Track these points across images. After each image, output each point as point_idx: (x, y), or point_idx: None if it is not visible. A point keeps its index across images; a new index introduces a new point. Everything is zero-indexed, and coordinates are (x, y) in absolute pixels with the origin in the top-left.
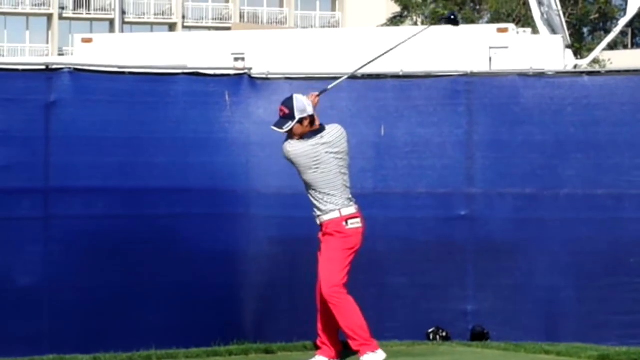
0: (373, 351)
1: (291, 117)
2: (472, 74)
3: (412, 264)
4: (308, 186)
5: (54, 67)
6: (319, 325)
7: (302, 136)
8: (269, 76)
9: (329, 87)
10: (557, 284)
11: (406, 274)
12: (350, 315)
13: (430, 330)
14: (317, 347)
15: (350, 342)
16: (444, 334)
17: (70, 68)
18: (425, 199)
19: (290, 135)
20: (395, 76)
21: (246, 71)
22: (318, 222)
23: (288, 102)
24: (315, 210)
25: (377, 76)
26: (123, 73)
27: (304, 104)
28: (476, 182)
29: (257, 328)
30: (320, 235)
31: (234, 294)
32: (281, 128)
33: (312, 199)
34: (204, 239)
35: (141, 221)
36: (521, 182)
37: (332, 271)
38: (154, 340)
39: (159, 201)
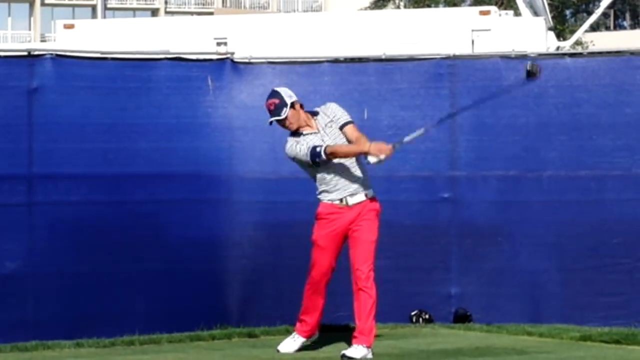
0: (370, 347)
1: (283, 104)
2: (455, 57)
3: (395, 247)
4: (342, 164)
5: (36, 53)
6: (309, 304)
7: (298, 130)
8: (252, 61)
9: (406, 139)
10: (540, 266)
11: (390, 257)
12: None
13: (413, 313)
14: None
15: (364, 328)
16: (427, 316)
17: (52, 54)
18: (409, 182)
19: (287, 126)
20: (378, 59)
21: (229, 56)
22: (357, 200)
23: (274, 95)
24: (362, 185)
25: (360, 60)
26: (105, 59)
27: (288, 91)
28: (459, 164)
29: (240, 313)
30: (348, 217)
31: (217, 279)
32: (279, 115)
33: (358, 174)
34: (187, 224)
35: (124, 207)
36: (504, 165)
37: (374, 253)
38: (137, 326)
39: (142, 187)
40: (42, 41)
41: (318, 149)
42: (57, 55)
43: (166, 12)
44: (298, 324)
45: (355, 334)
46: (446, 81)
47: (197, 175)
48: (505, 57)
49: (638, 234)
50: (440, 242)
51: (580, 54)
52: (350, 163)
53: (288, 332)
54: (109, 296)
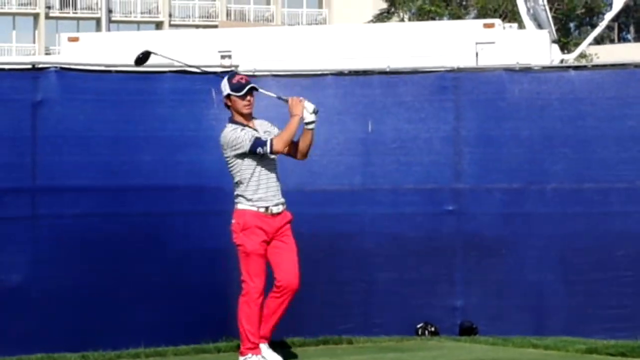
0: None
1: (249, 82)
2: (459, 70)
3: (400, 259)
4: (275, 169)
5: (41, 66)
6: (259, 317)
7: (239, 121)
8: (256, 73)
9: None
10: (545, 278)
11: (395, 270)
12: None
13: (419, 326)
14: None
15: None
16: (433, 329)
17: (56, 67)
18: (413, 195)
19: (248, 104)
20: (382, 72)
21: (233, 69)
22: (280, 210)
23: (237, 73)
24: (281, 195)
25: (364, 72)
26: (110, 72)
27: None
28: (464, 177)
29: None
30: (274, 225)
31: (223, 291)
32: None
33: (279, 184)
34: (192, 236)
35: (129, 219)
36: (508, 177)
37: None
38: (142, 339)
39: (146, 200)
40: (46, 54)
41: (263, 138)
42: (61, 68)
43: (170, 25)
44: (252, 345)
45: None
46: (450, 94)
47: (202, 188)
48: (510, 70)
49: None
50: (445, 254)
51: (584, 67)
52: (273, 172)
53: (293, 344)
54: (114, 308)
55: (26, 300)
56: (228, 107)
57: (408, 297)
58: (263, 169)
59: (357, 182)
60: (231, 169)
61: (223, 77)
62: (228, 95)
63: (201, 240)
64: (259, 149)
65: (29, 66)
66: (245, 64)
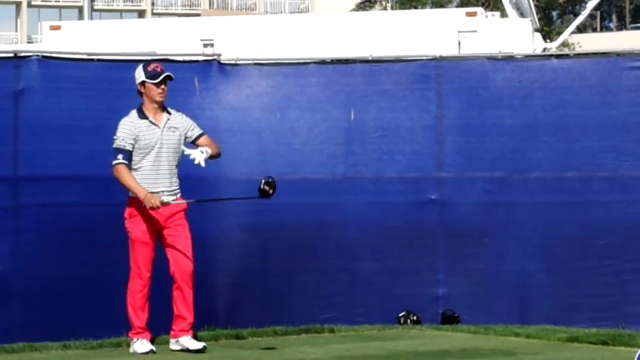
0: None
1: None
2: (441, 58)
3: (382, 248)
4: (177, 161)
5: (23, 54)
6: (183, 304)
7: (146, 112)
8: (238, 62)
9: (169, 200)
10: (527, 267)
11: (377, 259)
12: None
13: (401, 315)
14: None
15: (191, 320)
16: (415, 318)
17: (38, 55)
18: (396, 184)
19: (162, 92)
20: (364, 61)
21: (215, 57)
22: (170, 199)
23: (154, 61)
24: (178, 186)
25: (346, 61)
26: (92, 60)
27: None
28: (446, 166)
29: (227, 314)
30: (164, 213)
31: (205, 281)
32: (170, 75)
33: (175, 175)
34: None
35: (111, 209)
36: (491, 166)
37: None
38: (124, 327)
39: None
40: (28, 42)
41: (119, 156)
42: (43, 56)
43: (153, 14)
44: (137, 330)
45: (185, 327)
46: (433, 82)
47: (184, 177)
48: (492, 59)
49: (624, 235)
50: (427, 243)
51: (566, 56)
52: (172, 162)
53: (275, 334)
54: (97, 298)
55: (8, 290)
56: (141, 94)
57: (390, 286)
58: (156, 158)
59: (340, 170)
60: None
61: (206, 66)
62: (143, 82)
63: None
64: (114, 160)
65: (11, 54)
66: (228, 53)
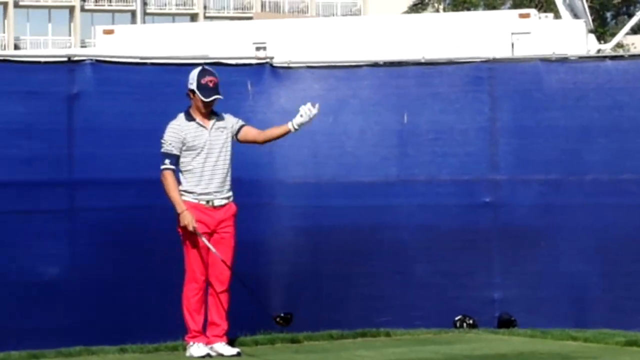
0: None
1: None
2: (495, 60)
3: (437, 251)
4: (229, 163)
5: (76, 58)
6: (217, 312)
7: (202, 117)
8: (291, 65)
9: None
10: (583, 270)
11: (432, 262)
12: None
13: (457, 318)
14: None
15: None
16: (471, 321)
17: (92, 60)
18: (449, 187)
19: (209, 107)
20: (417, 63)
21: (268, 60)
22: (222, 203)
23: (210, 72)
24: (230, 188)
25: (399, 63)
26: (145, 64)
27: None
28: (500, 168)
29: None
30: (216, 217)
31: (260, 285)
32: (219, 94)
33: (227, 177)
34: None
35: (165, 212)
36: (545, 168)
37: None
38: (180, 331)
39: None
40: (82, 47)
41: (166, 161)
42: (96, 60)
43: (205, 17)
44: (193, 334)
45: (219, 333)
46: (486, 85)
47: (238, 180)
48: (545, 60)
49: None
50: (482, 246)
51: (621, 57)
52: (223, 163)
53: (331, 338)
54: (153, 301)
55: (64, 293)
56: (189, 97)
57: (446, 290)
58: (205, 159)
59: (393, 173)
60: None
61: (258, 70)
62: (193, 90)
63: (238, 233)
64: (162, 165)
65: (65, 59)
66: (280, 56)
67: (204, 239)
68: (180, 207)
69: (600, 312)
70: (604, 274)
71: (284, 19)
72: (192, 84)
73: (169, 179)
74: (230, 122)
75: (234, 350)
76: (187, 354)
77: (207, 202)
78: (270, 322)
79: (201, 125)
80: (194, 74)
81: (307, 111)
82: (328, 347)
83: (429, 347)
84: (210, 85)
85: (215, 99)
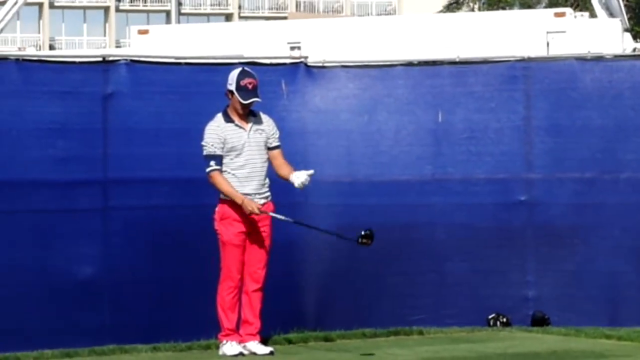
0: None
1: (257, 86)
2: (530, 59)
3: (471, 250)
4: (263, 161)
5: (111, 58)
6: (250, 310)
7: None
8: (325, 65)
9: (276, 215)
10: (618, 268)
11: (466, 260)
12: None
13: (490, 317)
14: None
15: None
16: (505, 319)
17: (126, 59)
18: (484, 185)
19: (246, 108)
20: (452, 62)
21: (302, 60)
22: (262, 203)
23: (249, 74)
24: (268, 188)
25: (434, 63)
26: (179, 64)
27: None
28: (535, 167)
29: (316, 316)
30: (255, 217)
31: (294, 283)
32: (258, 97)
33: (265, 177)
34: None
35: (200, 211)
36: (580, 167)
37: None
38: (214, 330)
39: (217, 191)
40: (116, 47)
41: (212, 163)
42: (131, 60)
43: (240, 17)
44: (226, 332)
45: (252, 331)
46: (521, 83)
47: (273, 179)
48: (581, 59)
49: None
50: (516, 244)
51: None
52: (261, 164)
53: (364, 336)
54: (186, 300)
55: (98, 292)
56: (228, 98)
57: (479, 288)
58: (248, 161)
59: (427, 172)
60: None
61: (293, 69)
62: (232, 91)
63: (273, 232)
64: (207, 167)
65: (100, 59)
66: (315, 55)
67: (274, 215)
68: (239, 198)
69: (635, 310)
70: (638, 272)
71: (318, 19)
72: (232, 85)
73: (218, 178)
74: (269, 127)
75: (267, 349)
76: (220, 352)
77: None
78: (303, 319)
79: (239, 127)
80: (234, 74)
81: (296, 178)
82: (361, 346)
83: (462, 346)
84: (250, 87)
85: (253, 102)
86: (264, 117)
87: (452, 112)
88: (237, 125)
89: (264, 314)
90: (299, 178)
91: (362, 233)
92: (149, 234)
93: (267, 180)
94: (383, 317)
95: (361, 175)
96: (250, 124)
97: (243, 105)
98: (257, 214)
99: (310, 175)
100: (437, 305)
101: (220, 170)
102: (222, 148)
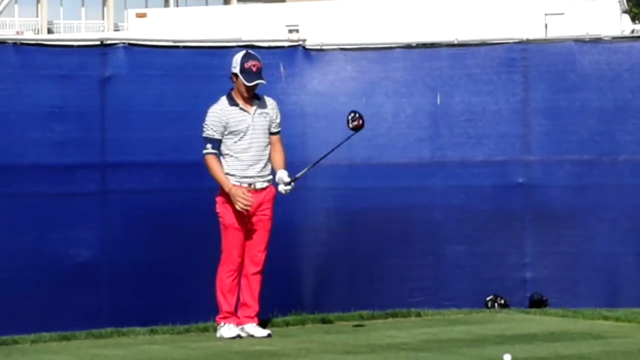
0: None
1: (262, 69)
2: (528, 41)
3: (470, 232)
4: (265, 144)
5: (109, 42)
6: (249, 293)
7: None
8: (324, 47)
9: (297, 176)
10: (616, 250)
11: (464, 243)
12: None
13: (488, 298)
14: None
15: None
16: (502, 301)
17: (124, 43)
18: (483, 167)
19: (251, 90)
20: (450, 45)
21: (300, 43)
22: (264, 186)
23: (253, 57)
24: (270, 171)
25: (432, 45)
26: (177, 47)
27: None
28: (533, 149)
29: (314, 299)
30: (257, 199)
31: (292, 266)
32: (262, 79)
33: (267, 160)
34: None
35: (198, 194)
36: (579, 149)
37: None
38: (211, 312)
39: None
40: (115, 30)
41: (208, 146)
42: (129, 44)
43: (238, 0)
44: (224, 314)
45: (251, 314)
46: (519, 66)
47: None
48: (579, 41)
49: None
50: (514, 226)
51: None
52: (265, 147)
53: (362, 318)
54: (183, 283)
55: (96, 276)
56: (232, 81)
57: (477, 270)
58: (252, 144)
59: (426, 155)
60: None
61: (291, 52)
62: (236, 74)
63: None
64: (204, 149)
65: (98, 42)
66: (313, 38)
67: (291, 179)
68: (227, 186)
69: (633, 291)
70: (636, 254)
71: (316, 1)
72: (235, 68)
73: (212, 162)
74: (273, 112)
75: (264, 332)
76: (218, 334)
77: (250, 185)
78: (301, 302)
79: (244, 110)
80: (238, 57)
81: (281, 182)
82: (359, 328)
83: (460, 327)
84: (254, 69)
85: (257, 84)
86: (269, 100)
87: (450, 94)
88: (241, 108)
89: (262, 296)
90: (283, 182)
91: (350, 117)
92: (148, 218)
93: (269, 164)
94: (381, 299)
95: (359, 158)
96: (254, 107)
97: (247, 88)
98: (245, 209)
99: (291, 186)
100: (435, 288)
101: (217, 155)
102: (222, 133)
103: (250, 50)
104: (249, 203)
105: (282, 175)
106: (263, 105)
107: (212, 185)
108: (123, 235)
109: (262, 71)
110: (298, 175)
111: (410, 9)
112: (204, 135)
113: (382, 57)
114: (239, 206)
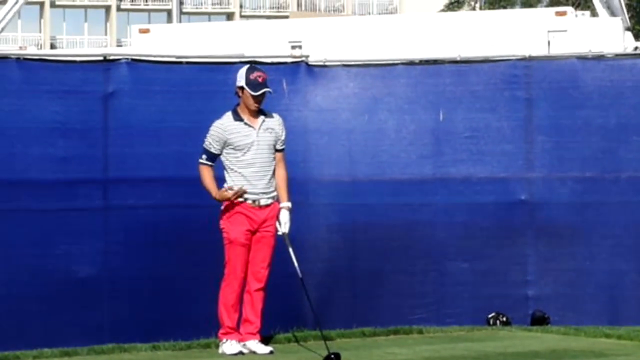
0: None
1: (265, 82)
2: (531, 58)
3: (472, 249)
4: (269, 160)
5: (112, 57)
6: (252, 309)
7: (242, 116)
8: (326, 64)
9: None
10: (619, 267)
11: (466, 260)
12: None
13: (490, 316)
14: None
15: (258, 324)
16: (505, 319)
17: (127, 59)
18: (485, 184)
19: (257, 103)
20: (453, 61)
21: (303, 59)
22: (268, 202)
23: (257, 69)
24: (274, 187)
25: (435, 61)
26: (180, 63)
27: None
28: (536, 166)
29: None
30: (261, 216)
31: (294, 282)
32: (268, 88)
33: (272, 176)
34: None
35: (200, 211)
36: (581, 166)
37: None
38: (213, 329)
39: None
40: (118, 46)
41: (203, 157)
42: (132, 59)
43: (241, 16)
44: (226, 330)
45: (253, 330)
46: (522, 83)
47: None
48: (582, 58)
49: None
50: (517, 244)
51: None
52: (269, 163)
53: (364, 335)
54: (185, 299)
55: (98, 291)
56: (238, 96)
57: (480, 287)
58: (256, 159)
59: (428, 171)
60: (221, 157)
61: (294, 68)
62: (242, 87)
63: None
64: (199, 158)
65: (101, 58)
66: (316, 54)
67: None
68: (214, 191)
69: (635, 309)
70: (638, 272)
71: (319, 18)
72: (241, 81)
73: (204, 171)
74: (279, 129)
75: (266, 349)
76: (220, 351)
77: (254, 201)
78: (303, 318)
79: (249, 125)
80: (242, 71)
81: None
82: (360, 345)
83: (462, 345)
84: (259, 80)
85: (264, 92)
86: (276, 117)
87: (453, 111)
88: (246, 123)
89: (264, 312)
90: (284, 220)
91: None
92: (150, 233)
93: (274, 180)
94: (383, 316)
95: (362, 174)
96: (260, 122)
97: (255, 98)
98: (234, 197)
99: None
100: (437, 304)
101: (211, 167)
102: (220, 149)
103: (252, 64)
104: (241, 191)
105: (285, 218)
106: (269, 121)
107: (214, 202)
108: (125, 250)
109: (267, 82)
110: (286, 242)
111: (413, 25)
112: (203, 145)
113: (385, 73)
114: (238, 198)
